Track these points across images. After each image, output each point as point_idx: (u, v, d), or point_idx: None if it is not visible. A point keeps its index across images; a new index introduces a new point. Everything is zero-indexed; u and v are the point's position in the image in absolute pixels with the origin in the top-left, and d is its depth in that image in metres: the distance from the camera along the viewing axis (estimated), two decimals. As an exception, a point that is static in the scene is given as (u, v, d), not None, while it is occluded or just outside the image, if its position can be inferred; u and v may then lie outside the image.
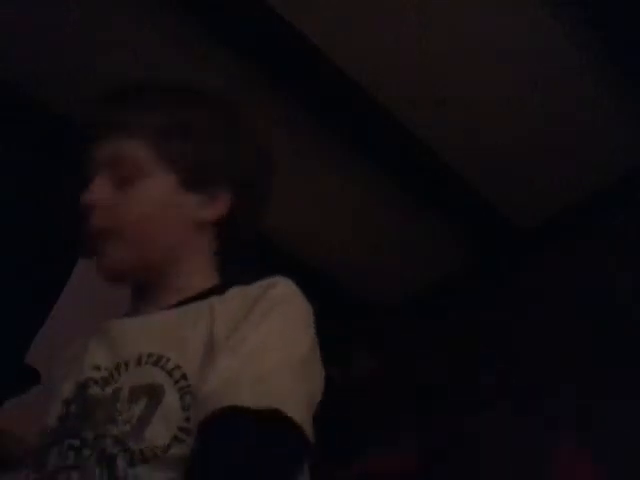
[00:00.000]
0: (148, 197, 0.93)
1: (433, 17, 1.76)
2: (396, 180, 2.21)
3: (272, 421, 0.71)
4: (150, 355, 0.81)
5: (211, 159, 0.97)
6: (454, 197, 2.26)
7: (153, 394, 0.78)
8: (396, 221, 2.38)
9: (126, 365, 0.83)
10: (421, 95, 1.96)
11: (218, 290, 0.88)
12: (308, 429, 0.73)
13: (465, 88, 1.94)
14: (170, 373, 0.79)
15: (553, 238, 2.33)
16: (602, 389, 1.96)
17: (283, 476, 0.74)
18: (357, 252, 2.51)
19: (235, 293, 0.86)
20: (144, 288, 0.95)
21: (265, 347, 0.77)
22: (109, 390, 0.82)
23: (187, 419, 0.75)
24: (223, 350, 0.77)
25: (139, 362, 0.82)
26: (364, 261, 2.54)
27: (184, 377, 0.78)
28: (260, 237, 2.63)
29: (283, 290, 0.85)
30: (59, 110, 1.98)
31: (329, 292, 2.60)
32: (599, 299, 2.12)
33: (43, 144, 2.02)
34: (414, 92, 1.96)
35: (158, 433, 0.75)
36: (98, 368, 0.85)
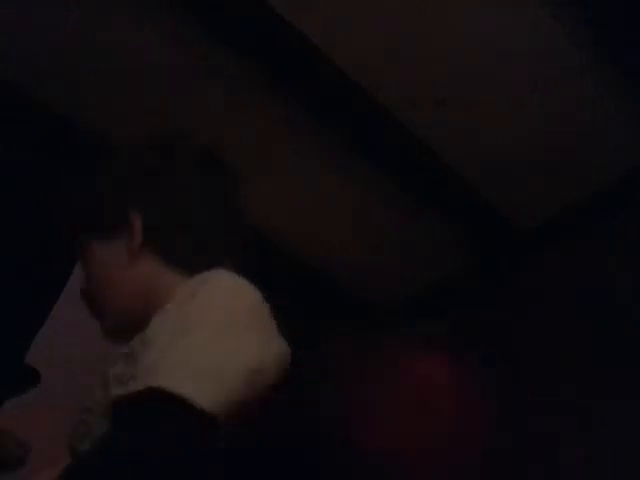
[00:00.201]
0: (90, 267, 1.04)
1: (433, 17, 1.76)
2: (396, 180, 2.21)
3: (153, 400, 0.72)
4: (115, 375, 0.87)
5: (99, 202, 1.04)
6: (454, 197, 2.26)
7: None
8: (396, 221, 2.38)
9: (105, 389, 0.88)
10: (421, 95, 1.96)
11: None
12: (207, 404, 0.71)
13: (465, 88, 1.94)
14: (126, 386, 0.83)
15: (553, 238, 2.33)
16: (602, 389, 1.96)
17: (159, 452, 0.71)
18: (357, 252, 2.51)
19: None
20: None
21: (176, 336, 0.79)
22: (95, 415, 0.89)
23: None
24: (145, 350, 0.81)
25: (108, 384, 0.87)
26: (364, 261, 2.54)
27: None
28: (260, 237, 2.64)
29: (212, 285, 0.86)
30: (59, 110, 1.98)
31: (329, 292, 2.60)
32: (599, 299, 2.12)
33: (43, 144, 2.02)
34: (414, 92, 1.95)
35: None
36: (94, 399, 0.92)
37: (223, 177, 1.09)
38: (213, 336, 0.78)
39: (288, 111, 2.00)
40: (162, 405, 0.71)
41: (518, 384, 2.20)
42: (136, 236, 0.99)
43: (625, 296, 2.05)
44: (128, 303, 0.99)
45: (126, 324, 0.99)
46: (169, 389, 0.71)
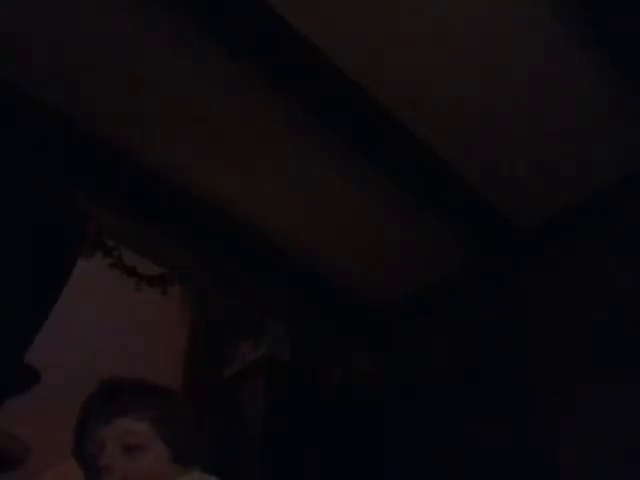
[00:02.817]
0: None
1: (433, 17, 1.76)
2: (396, 180, 2.21)
3: None
4: None
5: None
6: (454, 197, 2.26)
7: None
8: (396, 221, 2.38)
9: None
10: (421, 95, 1.96)
11: None
12: None
13: (465, 88, 1.94)
14: None
15: (553, 238, 2.33)
16: (602, 389, 1.96)
17: None
18: (357, 252, 2.51)
19: None
20: None
21: None
22: None
23: None
24: None
25: None
26: (364, 261, 2.54)
27: None
28: (260, 237, 2.63)
29: None
30: (59, 110, 1.98)
31: (329, 292, 2.60)
32: (599, 299, 2.12)
33: (43, 144, 2.02)
34: (414, 92, 1.96)
35: None
36: None
37: None
38: None
39: (288, 111, 2.00)
40: None
41: (517, 384, 2.20)
42: None
43: (625, 296, 2.05)
44: None
45: None
46: None
